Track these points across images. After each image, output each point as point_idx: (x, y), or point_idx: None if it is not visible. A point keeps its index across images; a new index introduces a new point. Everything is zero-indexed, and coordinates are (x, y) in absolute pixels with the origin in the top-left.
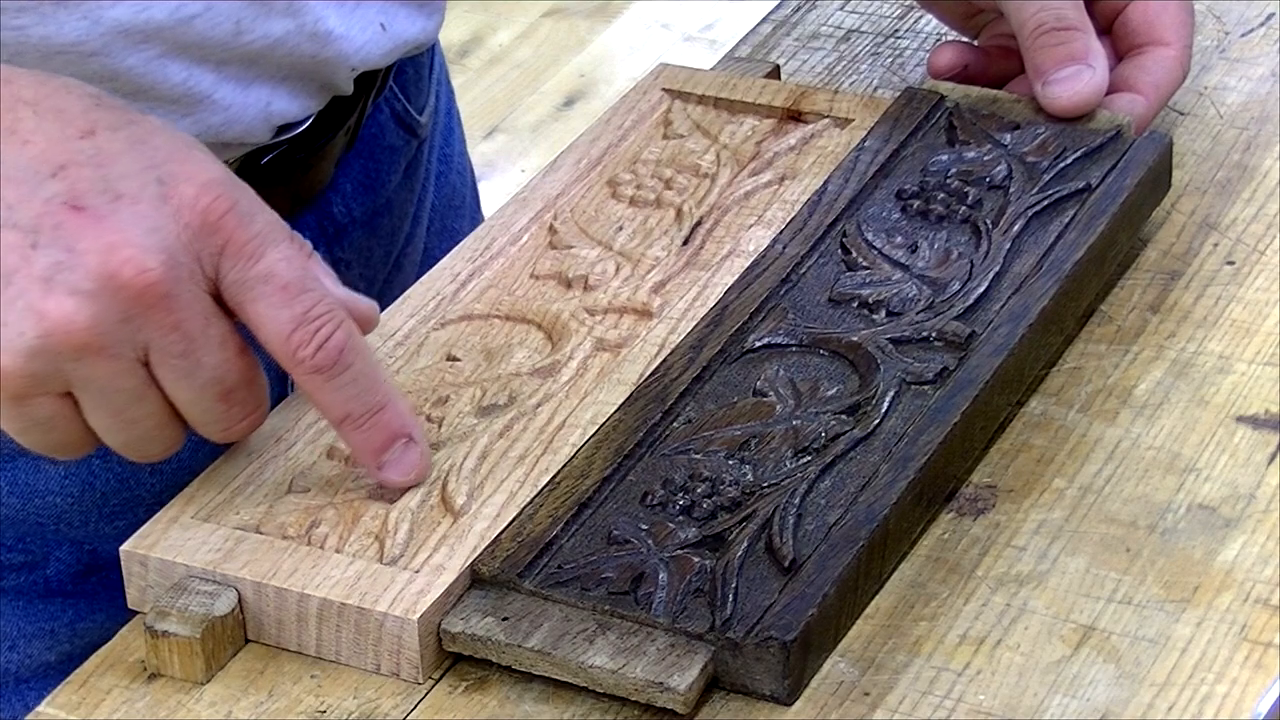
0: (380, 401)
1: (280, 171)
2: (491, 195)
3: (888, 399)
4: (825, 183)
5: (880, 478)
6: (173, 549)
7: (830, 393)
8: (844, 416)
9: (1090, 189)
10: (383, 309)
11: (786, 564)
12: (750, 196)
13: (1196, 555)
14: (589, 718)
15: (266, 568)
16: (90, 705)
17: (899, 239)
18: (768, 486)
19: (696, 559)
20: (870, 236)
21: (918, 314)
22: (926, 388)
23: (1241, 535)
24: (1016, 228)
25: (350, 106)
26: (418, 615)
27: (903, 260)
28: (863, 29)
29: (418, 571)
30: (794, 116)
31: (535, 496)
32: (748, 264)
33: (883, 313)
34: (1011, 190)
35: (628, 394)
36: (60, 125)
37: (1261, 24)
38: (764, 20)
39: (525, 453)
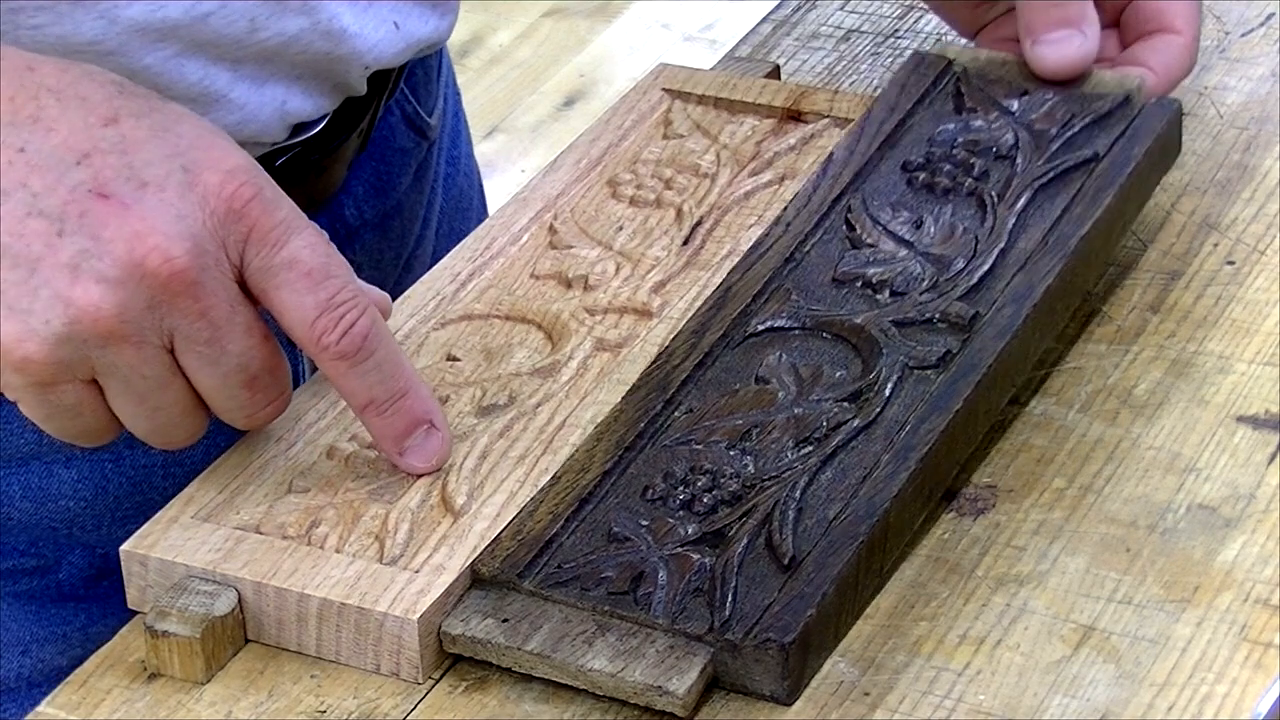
0: (403, 387)
1: (294, 173)
2: (492, 195)
3: (890, 385)
4: (830, 154)
5: (881, 469)
6: (173, 549)
7: (833, 379)
8: (846, 404)
9: (1098, 158)
10: None
11: (786, 561)
12: (750, 196)
13: (1196, 555)
14: (589, 717)
15: (266, 568)
16: (90, 705)
17: (904, 214)
18: (768, 479)
19: (696, 556)
20: (875, 212)
21: (921, 294)
22: (929, 372)
23: (1241, 535)
24: (1022, 201)
25: (363, 108)
26: (418, 615)
27: (907, 237)
28: (863, 29)
29: (418, 571)
30: (794, 116)
31: (536, 492)
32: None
33: (886, 293)
34: (1018, 160)
35: (630, 383)
36: (84, 113)
37: (1261, 24)
38: (764, 20)
39: (525, 453)
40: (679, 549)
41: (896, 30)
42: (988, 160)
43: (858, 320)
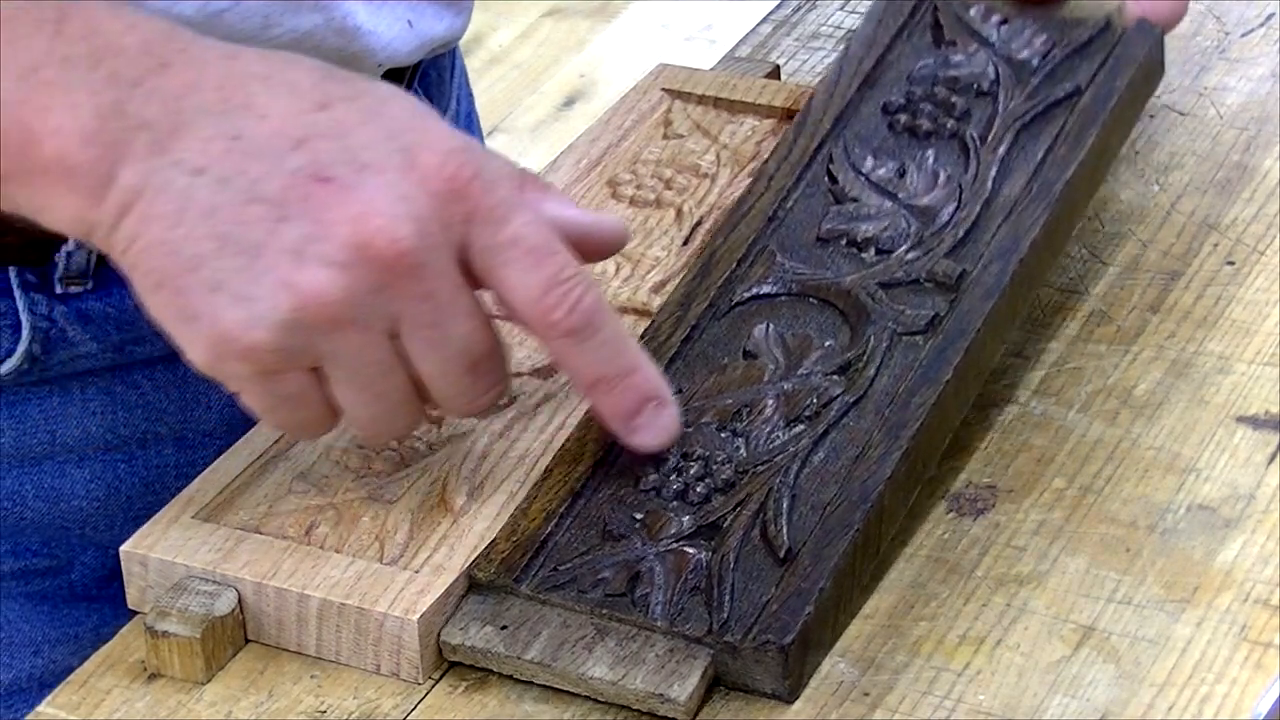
0: (631, 364)
1: None
2: None
3: (879, 355)
4: (810, 100)
5: (873, 449)
6: (173, 549)
7: (821, 350)
8: (835, 377)
9: (1080, 92)
10: None
11: (782, 554)
12: None
13: (1196, 555)
14: (589, 718)
15: (266, 568)
16: (90, 705)
17: (886, 161)
18: (760, 464)
19: (692, 552)
20: (857, 161)
21: (907, 252)
22: (918, 338)
23: (1241, 535)
24: (1005, 144)
25: None
26: (417, 615)
27: (890, 188)
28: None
29: (417, 572)
30: (793, 116)
31: (530, 488)
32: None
33: (872, 251)
34: (999, 97)
35: None
36: (294, 99)
37: (1261, 24)
38: (764, 20)
39: (525, 453)
40: (675, 544)
41: None
42: (969, 98)
43: (844, 283)
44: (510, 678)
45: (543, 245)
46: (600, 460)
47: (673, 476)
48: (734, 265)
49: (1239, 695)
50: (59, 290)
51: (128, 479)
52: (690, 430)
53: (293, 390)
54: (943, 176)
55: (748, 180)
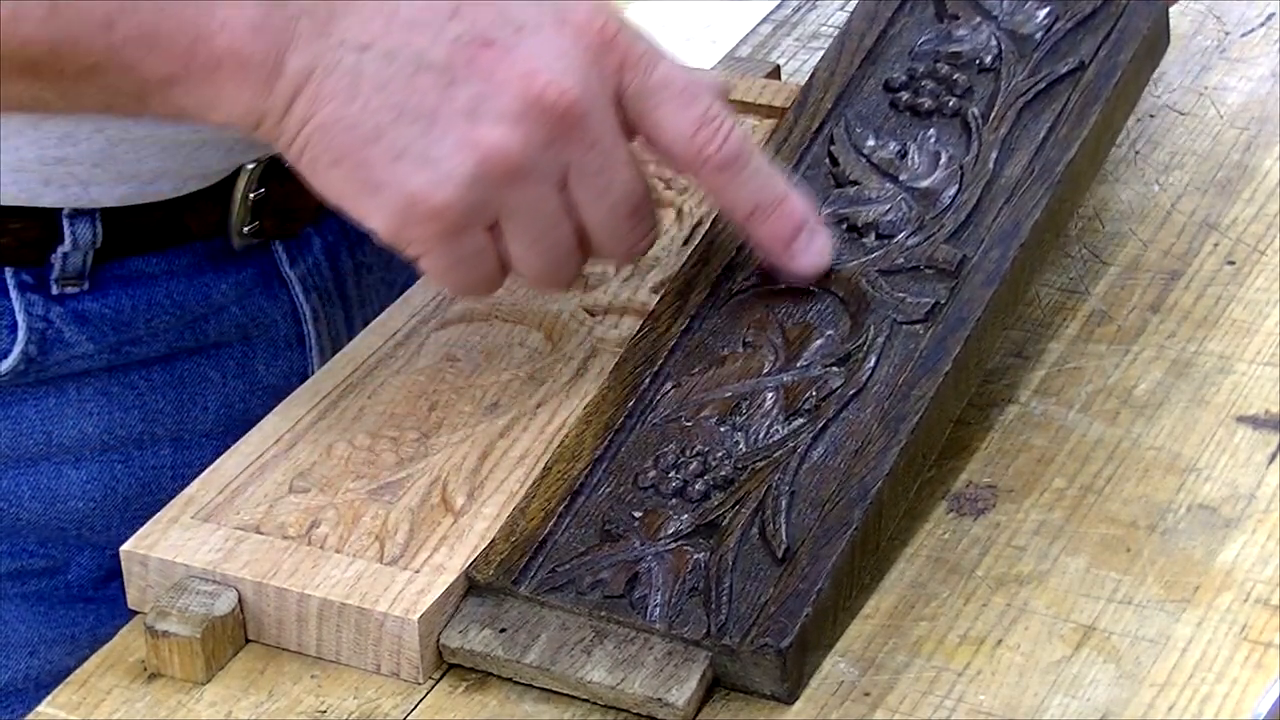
0: (783, 191)
1: None
2: None
3: (879, 345)
4: (811, 76)
5: (872, 443)
6: (173, 549)
7: (821, 339)
8: (835, 368)
9: (1084, 66)
10: None
11: (781, 554)
12: None
13: (1196, 555)
14: (589, 718)
15: (266, 568)
16: (90, 705)
17: (888, 142)
18: (760, 459)
19: (690, 552)
20: (858, 141)
21: (908, 237)
22: (918, 327)
23: (1241, 535)
24: (1007, 123)
25: None
26: (418, 615)
27: (892, 170)
28: None
29: (418, 571)
30: None
31: (529, 485)
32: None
33: (873, 236)
34: (1002, 73)
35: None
36: None
37: (1261, 24)
38: (764, 20)
39: (525, 453)
40: (673, 544)
41: None
42: (971, 74)
43: (845, 271)
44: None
45: (690, 86)
46: (599, 456)
47: (672, 473)
48: (733, 253)
49: (1239, 695)
50: (55, 291)
51: (124, 480)
52: (689, 425)
53: (474, 248)
54: (944, 157)
55: None
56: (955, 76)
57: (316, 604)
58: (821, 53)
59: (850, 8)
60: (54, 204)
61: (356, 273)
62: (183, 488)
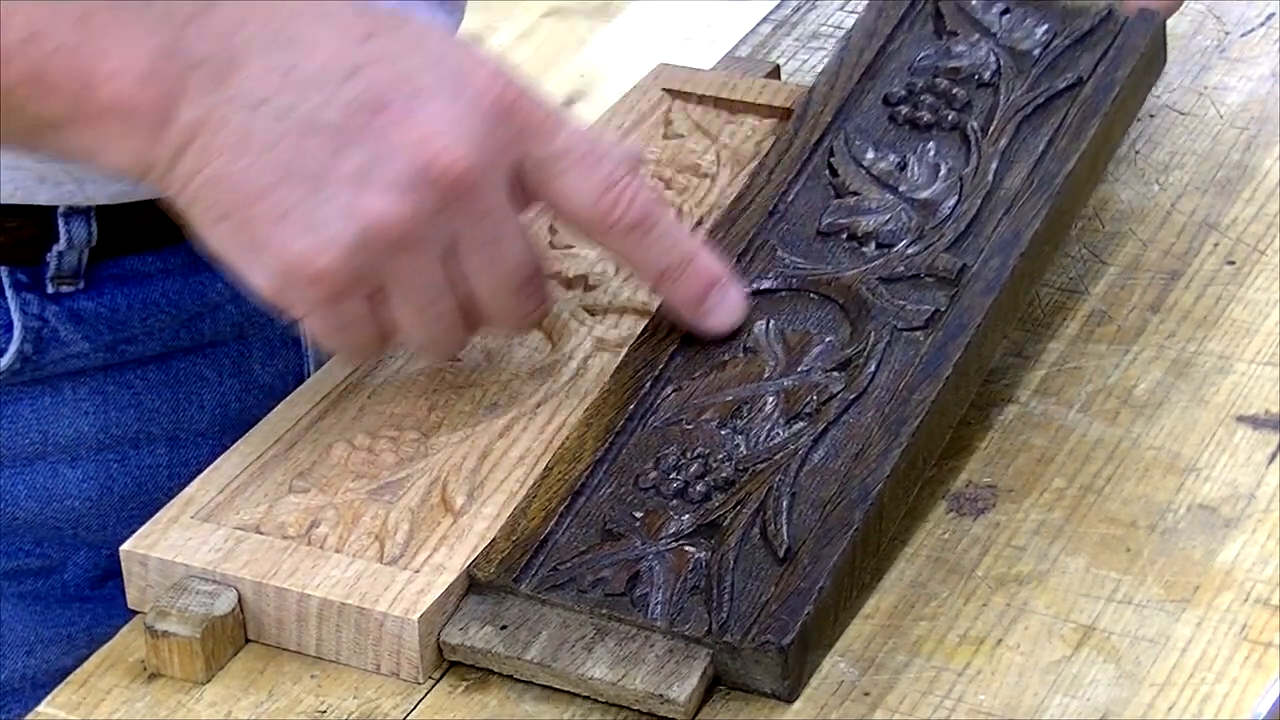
0: (692, 250)
1: None
2: None
3: (879, 351)
4: (810, 90)
5: (873, 446)
6: (173, 549)
7: (821, 346)
8: (835, 373)
9: (1082, 82)
10: None
11: (782, 553)
12: None
13: (1196, 555)
14: (589, 718)
15: (266, 568)
16: (90, 705)
17: (887, 154)
18: (761, 461)
19: (691, 551)
20: (858, 154)
21: (908, 246)
22: (918, 334)
23: (1241, 535)
24: (1006, 135)
25: None
26: (418, 615)
27: (891, 182)
28: None
29: (418, 571)
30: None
31: (530, 486)
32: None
33: (872, 245)
34: (1001, 88)
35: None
36: (339, 32)
37: (1261, 24)
38: (764, 20)
39: (525, 453)
40: (674, 543)
41: None
42: (970, 89)
43: (844, 278)
44: (510, 677)
45: (592, 151)
46: (599, 459)
47: (673, 474)
48: (734, 260)
49: (1239, 695)
50: (51, 290)
51: (120, 479)
52: (690, 428)
53: (355, 314)
54: (944, 169)
55: (748, 180)
56: (954, 91)
57: (316, 604)
58: (821, 52)
59: (850, 8)
60: (49, 202)
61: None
62: (179, 487)
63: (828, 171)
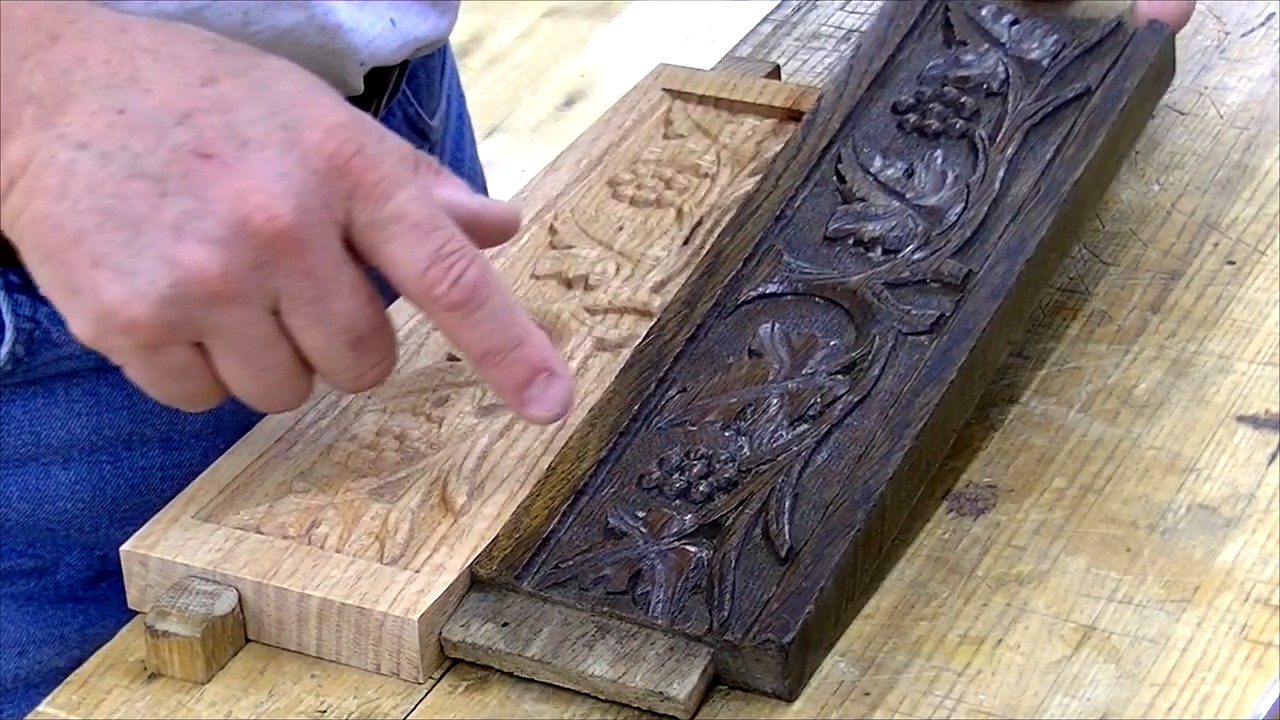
0: (519, 335)
1: None
2: (492, 195)
3: (884, 355)
4: (819, 99)
5: (876, 448)
6: (173, 549)
7: (826, 349)
8: (839, 376)
9: (1090, 92)
10: None
11: (783, 553)
12: None
13: (1197, 555)
14: (589, 717)
15: (267, 567)
16: (90, 705)
17: (895, 161)
18: (764, 462)
19: (693, 550)
20: (865, 161)
21: (914, 252)
22: (923, 338)
23: (1242, 535)
24: (1014, 144)
25: (362, 108)
26: (418, 615)
27: (898, 188)
28: (863, 29)
29: (418, 571)
30: (794, 116)
31: (533, 485)
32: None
33: (879, 251)
34: (1009, 97)
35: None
36: (181, 72)
37: (1261, 24)
38: (764, 20)
39: (525, 453)
40: (676, 543)
41: None
42: (978, 98)
43: (850, 283)
44: (511, 677)
45: (426, 220)
46: (603, 458)
47: (675, 475)
48: (740, 264)
49: (1239, 695)
50: (42, 291)
51: (113, 480)
52: (694, 429)
53: (176, 364)
54: (950, 177)
55: (748, 180)
56: (962, 100)
57: (316, 604)
58: (822, 53)
59: (851, 8)
60: None
61: None
62: (172, 488)
63: (835, 178)
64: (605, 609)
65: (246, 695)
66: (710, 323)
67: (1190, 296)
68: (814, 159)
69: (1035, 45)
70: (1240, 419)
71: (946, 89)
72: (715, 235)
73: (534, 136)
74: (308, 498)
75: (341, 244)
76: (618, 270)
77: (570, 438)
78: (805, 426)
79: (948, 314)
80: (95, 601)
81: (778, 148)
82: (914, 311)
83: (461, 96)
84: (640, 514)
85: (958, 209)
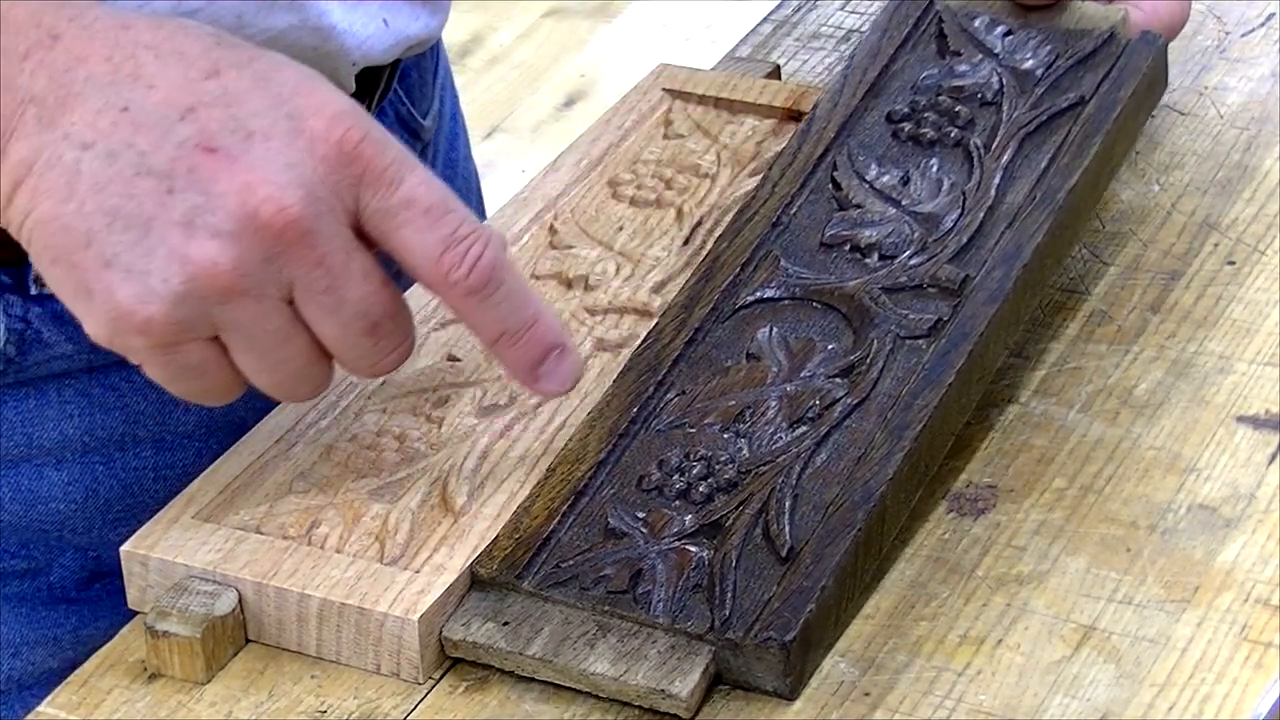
0: (533, 315)
1: None
2: (491, 195)
3: (882, 358)
4: (814, 108)
5: (876, 449)
6: (173, 549)
7: (824, 353)
8: (838, 379)
9: (1084, 101)
10: None
11: (784, 553)
12: None
13: (1197, 555)
14: (590, 717)
15: (267, 568)
16: (90, 705)
17: (891, 169)
18: (763, 463)
19: (694, 550)
20: (861, 169)
21: (911, 257)
22: (921, 342)
23: (1241, 535)
24: (1009, 152)
25: None
26: (418, 615)
27: (894, 196)
28: (863, 29)
29: (418, 571)
30: (794, 116)
31: (533, 486)
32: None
33: (875, 256)
34: (1004, 106)
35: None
36: (183, 67)
37: (1261, 24)
38: (764, 20)
39: (525, 453)
40: (676, 542)
41: None
42: (973, 107)
43: (848, 288)
44: (511, 677)
45: (438, 204)
46: (602, 460)
47: (675, 476)
48: (738, 270)
49: (1239, 695)
50: (34, 291)
51: (106, 481)
52: (694, 431)
53: (194, 361)
54: (946, 184)
55: (748, 180)
56: (957, 109)
57: (316, 604)
58: (822, 53)
59: (851, 8)
60: None
61: None
62: (165, 489)
63: (831, 185)
64: (606, 608)
65: (247, 695)
66: (708, 327)
67: (1190, 296)
68: (809, 167)
69: (1029, 55)
70: (1240, 419)
71: (941, 98)
72: (714, 237)
73: (534, 136)
74: (308, 498)
75: (351, 231)
76: (618, 270)
77: (570, 440)
78: (804, 428)
79: (945, 318)
80: (89, 603)
81: (778, 148)
82: (911, 316)
83: (455, 95)
84: (640, 514)
85: (954, 215)
